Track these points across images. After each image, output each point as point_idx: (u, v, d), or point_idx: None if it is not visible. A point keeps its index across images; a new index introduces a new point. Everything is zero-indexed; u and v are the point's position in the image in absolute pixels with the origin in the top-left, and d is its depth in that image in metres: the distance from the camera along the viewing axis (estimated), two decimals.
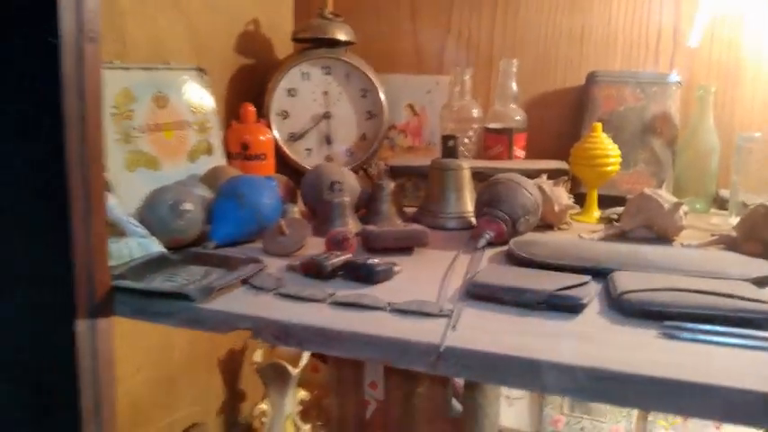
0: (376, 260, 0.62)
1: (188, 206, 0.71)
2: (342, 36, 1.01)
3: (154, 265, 0.65)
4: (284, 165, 1.02)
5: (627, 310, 0.51)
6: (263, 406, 1.06)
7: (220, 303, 0.56)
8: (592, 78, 1.00)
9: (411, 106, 1.13)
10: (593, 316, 0.52)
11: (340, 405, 1.16)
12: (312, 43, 1.02)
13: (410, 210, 0.89)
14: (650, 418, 1.03)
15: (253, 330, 0.53)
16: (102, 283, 0.56)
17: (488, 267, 0.62)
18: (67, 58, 0.52)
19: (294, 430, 1.06)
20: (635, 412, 1.04)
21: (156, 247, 0.68)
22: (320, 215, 0.82)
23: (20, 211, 0.54)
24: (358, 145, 1.05)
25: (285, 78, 1.00)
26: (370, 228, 0.72)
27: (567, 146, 0.97)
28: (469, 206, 0.84)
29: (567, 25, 1.06)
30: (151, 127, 0.82)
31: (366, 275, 0.61)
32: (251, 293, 0.59)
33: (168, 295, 0.57)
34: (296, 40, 1.02)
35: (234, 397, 1.11)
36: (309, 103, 1.02)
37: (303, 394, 1.10)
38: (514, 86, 1.00)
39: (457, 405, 1.09)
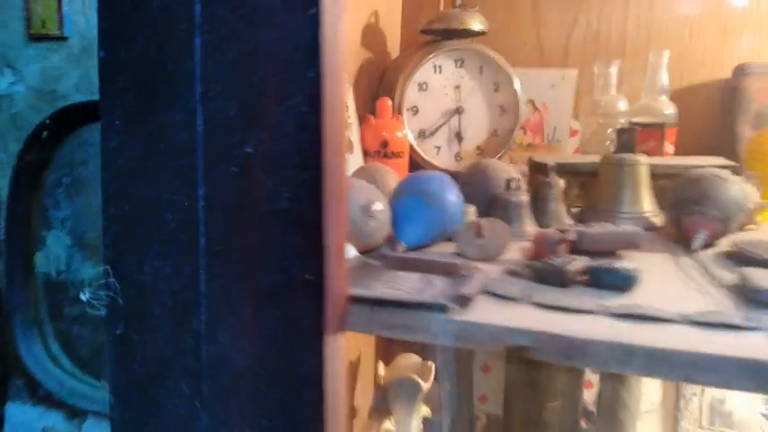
0: (623, 265, 0.55)
1: (379, 206, 0.64)
2: (476, 26, 0.94)
3: (360, 271, 0.57)
4: (413, 163, 0.95)
5: None
6: (389, 425, 0.98)
7: (473, 315, 0.49)
8: (741, 71, 0.95)
9: (532, 102, 1.07)
10: None
11: (451, 421, 1.09)
12: (441, 35, 0.95)
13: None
14: None
15: (533, 348, 0.46)
16: (341, 296, 0.49)
17: (750, 271, 0.55)
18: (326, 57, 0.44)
19: None
20: None
21: (353, 251, 0.61)
22: (492, 215, 0.75)
23: (274, 224, 0.46)
24: (488, 142, 0.98)
25: (418, 72, 0.93)
26: (582, 228, 0.65)
27: (714, 141, 0.92)
28: (646, 205, 0.78)
29: (707, 16, 1.00)
30: None
31: (615, 282, 0.54)
32: (496, 303, 0.52)
33: (411, 306, 0.50)
34: (427, 31, 0.95)
35: (349, 414, 1.03)
36: (440, 98, 0.95)
37: (425, 410, 1.02)
38: (664, 79, 0.94)
39: (584, 425, 1.03)
